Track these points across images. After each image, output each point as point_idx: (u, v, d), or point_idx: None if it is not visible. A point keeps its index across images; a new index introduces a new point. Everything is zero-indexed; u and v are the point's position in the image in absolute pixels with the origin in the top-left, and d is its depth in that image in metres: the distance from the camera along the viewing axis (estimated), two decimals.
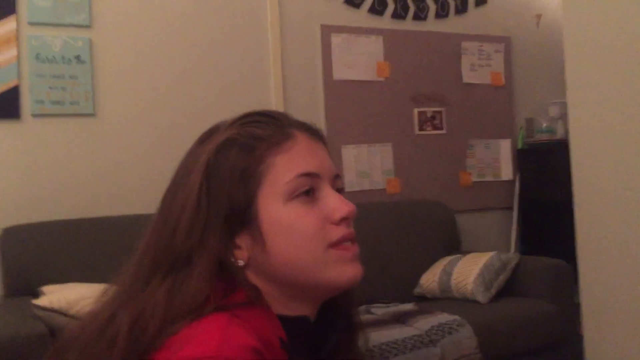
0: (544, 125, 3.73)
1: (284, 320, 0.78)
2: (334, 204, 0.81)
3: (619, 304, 2.22)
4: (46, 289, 2.24)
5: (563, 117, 3.49)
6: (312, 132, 0.86)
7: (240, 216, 0.78)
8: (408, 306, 2.76)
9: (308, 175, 0.80)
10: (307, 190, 0.80)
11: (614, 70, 2.18)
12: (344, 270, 0.80)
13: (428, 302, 2.90)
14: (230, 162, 0.79)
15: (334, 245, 0.80)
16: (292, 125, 0.84)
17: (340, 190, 0.85)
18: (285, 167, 0.79)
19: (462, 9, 3.70)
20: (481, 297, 2.76)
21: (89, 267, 2.46)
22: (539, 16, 3.91)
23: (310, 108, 3.28)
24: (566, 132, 3.29)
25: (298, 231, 0.78)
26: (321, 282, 0.80)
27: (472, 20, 3.74)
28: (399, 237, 3.15)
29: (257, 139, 0.80)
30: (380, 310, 2.70)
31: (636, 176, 2.13)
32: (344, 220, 0.81)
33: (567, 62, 2.34)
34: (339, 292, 0.84)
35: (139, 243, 0.83)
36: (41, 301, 2.08)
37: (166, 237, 0.79)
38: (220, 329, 0.69)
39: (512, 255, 2.96)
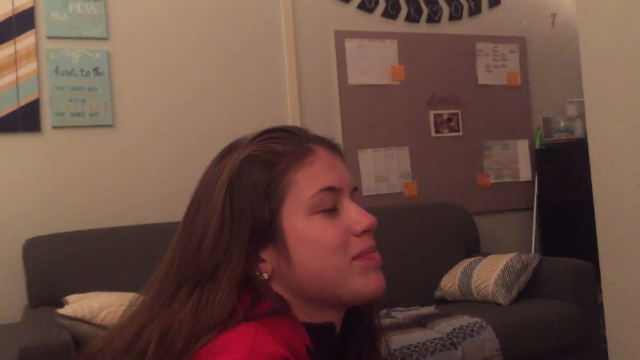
0: (562, 124, 3.70)
1: (310, 328, 0.80)
2: (356, 217, 0.82)
3: None
4: (70, 298, 2.28)
5: (581, 116, 3.47)
6: (330, 146, 0.87)
7: (264, 231, 0.80)
8: (429, 309, 2.76)
9: (330, 189, 0.82)
10: (331, 208, 0.81)
11: (631, 67, 2.17)
12: (368, 282, 0.82)
13: (449, 305, 2.89)
14: (253, 179, 0.80)
15: (357, 257, 0.81)
16: (311, 141, 0.85)
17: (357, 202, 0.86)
18: (308, 182, 0.81)
19: (475, 10, 3.70)
20: (502, 299, 2.75)
21: (111, 275, 2.49)
22: (553, 15, 3.89)
23: (326, 113, 3.29)
24: (584, 131, 3.27)
25: (322, 244, 0.80)
26: (346, 293, 0.81)
27: (486, 22, 3.73)
28: (418, 240, 3.15)
29: (278, 155, 0.82)
30: (401, 314, 2.70)
31: None
32: (365, 232, 0.82)
33: (583, 60, 2.33)
34: (363, 302, 0.85)
35: (163, 259, 0.84)
36: (65, 310, 2.11)
37: (191, 253, 0.80)
38: (250, 339, 0.71)
39: (533, 256, 2.95)
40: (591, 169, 2.31)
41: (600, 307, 2.42)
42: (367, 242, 0.82)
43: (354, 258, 0.81)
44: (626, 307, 2.23)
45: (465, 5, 3.67)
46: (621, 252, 2.24)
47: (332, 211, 0.82)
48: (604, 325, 2.34)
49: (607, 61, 2.24)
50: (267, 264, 0.80)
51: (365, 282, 0.81)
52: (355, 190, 0.87)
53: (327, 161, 0.84)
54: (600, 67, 2.27)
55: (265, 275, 0.80)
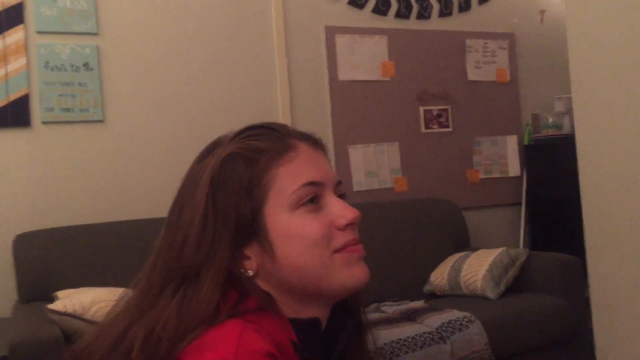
0: (550, 120, 3.73)
1: (296, 323, 0.80)
2: (339, 211, 0.83)
3: (629, 298, 2.22)
4: (60, 293, 2.28)
5: (569, 112, 3.49)
6: (312, 141, 0.88)
7: (248, 228, 0.80)
8: (418, 304, 2.78)
9: (312, 184, 0.82)
10: (312, 198, 0.82)
11: (618, 64, 2.19)
12: (352, 273, 0.82)
13: (438, 299, 2.91)
14: (235, 176, 0.81)
15: (340, 249, 0.82)
16: (292, 136, 0.86)
17: (342, 196, 0.87)
18: (290, 177, 0.81)
19: (465, 6, 3.71)
20: (491, 293, 2.77)
21: (101, 271, 2.50)
22: (542, 12, 3.91)
23: (317, 109, 3.30)
24: (572, 127, 3.29)
25: (305, 238, 0.80)
26: (330, 286, 0.82)
27: (476, 18, 3.75)
28: (408, 235, 3.16)
29: (260, 152, 0.82)
30: (390, 309, 2.72)
31: None
32: (348, 226, 0.83)
33: (570, 57, 2.35)
34: (348, 295, 0.86)
35: (148, 258, 0.85)
36: (55, 306, 2.11)
37: (175, 252, 0.80)
38: (236, 335, 0.71)
39: (521, 250, 2.97)
40: (578, 164, 2.33)
41: (587, 301, 2.45)
42: (350, 235, 0.83)
43: (337, 251, 0.82)
44: (612, 301, 2.26)
45: (455, 1, 3.68)
46: (607, 247, 2.26)
47: (315, 206, 0.82)
48: (591, 319, 2.37)
49: (595, 58, 2.27)
50: (252, 261, 0.81)
51: (349, 274, 0.82)
52: (338, 184, 0.87)
53: (309, 156, 0.84)
54: (588, 64, 2.29)
55: (250, 272, 0.81)
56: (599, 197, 2.28)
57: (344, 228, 0.83)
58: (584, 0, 2.30)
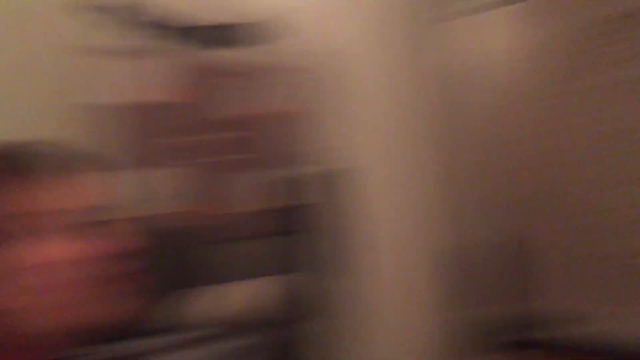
0: (326, 155, 3.85)
1: None
2: (31, 249, 0.74)
3: None
4: None
5: (348, 146, 3.64)
6: (16, 165, 0.77)
7: None
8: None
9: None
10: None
11: (383, 110, 2.41)
12: (42, 318, 0.74)
13: None
14: None
15: (30, 292, 0.74)
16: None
17: (68, 229, 0.77)
18: None
19: (262, 39, 3.71)
20: None
21: None
22: (332, 50, 4.05)
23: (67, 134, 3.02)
24: (350, 161, 3.40)
25: None
26: (25, 330, 0.74)
27: (273, 51, 3.78)
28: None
29: None
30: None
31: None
32: (41, 267, 0.74)
33: (343, 102, 2.56)
34: (59, 338, 0.77)
35: None
36: None
37: None
38: None
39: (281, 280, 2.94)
40: (348, 199, 2.45)
41: None
42: (44, 277, 0.75)
43: (27, 293, 0.74)
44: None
45: (253, 33, 3.68)
46: None
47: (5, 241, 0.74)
48: None
49: (363, 103, 2.48)
50: None
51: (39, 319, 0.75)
52: (66, 214, 0.79)
53: (7, 184, 0.76)
54: (358, 108, 2.51)
55: None
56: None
57: (38, 268, 0.74)
58: (357, 51, 2.51)
